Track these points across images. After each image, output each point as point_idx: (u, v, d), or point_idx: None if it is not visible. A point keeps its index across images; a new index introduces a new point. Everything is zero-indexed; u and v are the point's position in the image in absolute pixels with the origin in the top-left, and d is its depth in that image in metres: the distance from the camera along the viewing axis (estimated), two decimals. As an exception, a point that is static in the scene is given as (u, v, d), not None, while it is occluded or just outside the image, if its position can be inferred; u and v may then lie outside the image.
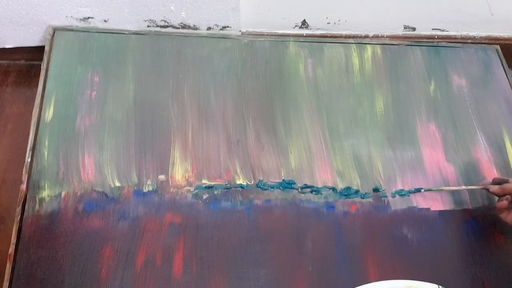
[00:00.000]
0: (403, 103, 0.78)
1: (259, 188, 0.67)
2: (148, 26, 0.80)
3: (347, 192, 0.68)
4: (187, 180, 0.66)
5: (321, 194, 0.68)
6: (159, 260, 0.60)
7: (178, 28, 0.81)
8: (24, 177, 0.63)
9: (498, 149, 0.75)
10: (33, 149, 0.65)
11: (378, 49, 0.83)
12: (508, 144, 0.76)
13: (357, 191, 0.68)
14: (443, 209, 0.68)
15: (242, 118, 0.73)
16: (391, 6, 0.84)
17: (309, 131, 0.73)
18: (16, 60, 0.83)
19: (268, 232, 0.64)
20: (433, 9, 0.85)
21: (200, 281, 0.59)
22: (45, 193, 0.62)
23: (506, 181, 0.63)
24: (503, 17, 0.87)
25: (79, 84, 0.71)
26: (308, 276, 0.61)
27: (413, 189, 0.69)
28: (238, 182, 0.67)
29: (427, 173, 0.71)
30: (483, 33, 0.90)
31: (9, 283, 0.56)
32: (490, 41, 0.90)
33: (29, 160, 0.64)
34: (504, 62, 0.85)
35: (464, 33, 0.90)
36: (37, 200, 0.62)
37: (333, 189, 0.68)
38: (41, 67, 0.72)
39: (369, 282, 0.60)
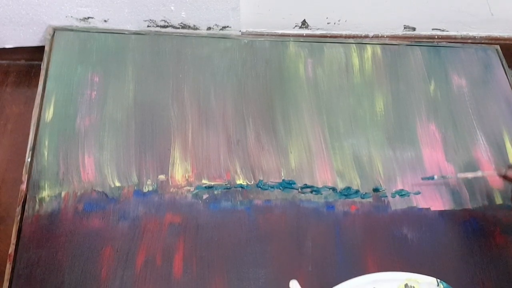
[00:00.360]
0: (403, 103, 0.78)
1: (259, 188, 0.67)
2: (148, 26, 0.80)
3: (347, 192, 0.68)
4: (187, 180, 0.66)
5: (321, 194, 0.68)
6: (159, 260, 0.60)
7: (178, 28, 0.81)
8: (24, 177, 0.63)
9: (498, 149, 0.75)
10: (33, 149, 0.65)
11: (378, 49, 0.83)
12: (508, 144, 0.76)
13: (357, 191, 0.68)
14: (443, 209, 0.68)
15: (242, 118, 0.73)
16: (391, 6, 0.84)
17: (309, 131, 0.73)
18: (16, 60, 0.83)
19: (268, 232, 0.64)
20: (433, 9, 0.85)
21: (200, 281, 0.59)
22: (45, 193, 0.62)
23: None
24: (503, 17, 0.87)
25: (79, 84, 0.71)
26: (308, 276, 0.61)
27: (426, 177, 0.69)
28: (238, 182, 0.67)
29: (427, 173, 0.71)
30: (483, 33, 0.90)
31: (9, 283, 0.56)
32: (490, 41, 0.90)
33: (29, 160, 0.64)
34: (504, 62, 0.85)
35: (464, 33, 0.90)
36: (37, 200, 0.62)
37: (333, 189, 0.68)
38: (41, 67, 0.72)
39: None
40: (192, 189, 0.66)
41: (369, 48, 0.83)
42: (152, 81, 0.74)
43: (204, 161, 0.68)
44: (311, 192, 0.68)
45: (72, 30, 0.77)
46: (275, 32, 0.86)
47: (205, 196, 0.65)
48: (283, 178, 0.68)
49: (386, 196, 0.69)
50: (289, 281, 0.53)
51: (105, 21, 0.78)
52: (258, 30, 0.85)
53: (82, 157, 0.66)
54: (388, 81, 0.80)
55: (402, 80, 0.80)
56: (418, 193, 0.69)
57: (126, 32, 0.78)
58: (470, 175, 0.69)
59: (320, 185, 0.68)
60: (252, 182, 0.67)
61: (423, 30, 0.89)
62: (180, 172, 0.67)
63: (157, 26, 0.80)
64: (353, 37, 0.87)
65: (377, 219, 0.66)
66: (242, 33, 0.84)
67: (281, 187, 0.67)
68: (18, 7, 0.74)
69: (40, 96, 0.69)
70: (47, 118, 0.68)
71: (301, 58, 0.80)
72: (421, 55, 0.83)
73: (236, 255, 0.62)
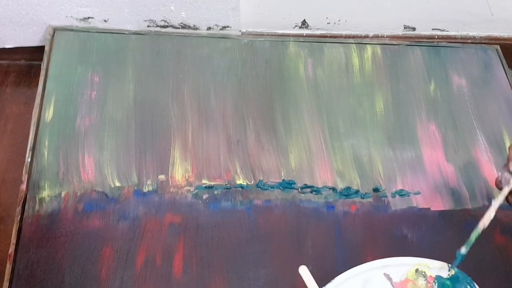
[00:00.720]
0: (403, 103, 0.78)
1: (259, 188, 0.67)
2: (148, 26, 0.80)
3: (347, 192, 0.68)
4: (187, 180, 0.66)
5: (321, 194, 0.67)
6: (159, 260, 0.60)
7: (178, 28, 0.81)
8: (24, 177, 0.63)
9: (498, 149, 0.75)
10: (33, 149, 0.65)
11: (378, 49, 0.83)
12: (508, 144, 0.75)
13: (357, 191, 0.68)
14: (443, 209, 0.68)
15: (242, 118, 0.73)
16: (391, 6, 0.84)
17: (309, 131, 0.73)
18: (16, 60, 0.83)
19: (268, 232, 0.64)
20: (433, 9, 0.85)
21: (200, 281, 0.59)
22: (45, 193, 0.62)
23: None
24: (503, 17, 0.87)
25: (79, 84, 0.71)
26: (308, 276, 0.61)
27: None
28: (238, 182, 0.67)
29: (427, 173, 0.71)
30: (483, 33, 0.90)
31: (9, 283, 0.56)
32: (490, 41, 0.90)
33: (29, 160, 0.64)
34: (504, 62, 0.85)
35: (464, 33, 0.90)
36: (37, 200, 0.62)
37: (333, 189, 0.68)
38: (41, 67, 0.72)
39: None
40: (192, 189, 0.66)
41: (369, 48, 0.83)
42: (152, 81, 0.74)
43: (204, 161, 0.68)
44: (311, 192, 0.68)
45: (72, 30, 0.77)
46: (275, 32, 0.86)
47: (205, 196, 0.65)
48: (283, 178, 0.68)
49: (386, 196, 0.68)
50: (298, 268, 0.53)
51: (105, 21, 0.78)
52: (258, 30, 0.85)
53: (82, 157, 0.66)
54: (388, 81, 0.80)
55: (402, 80, 0.80)
56: (418, 193, 0.69)
57: (126, 32, 0.78)
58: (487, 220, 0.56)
59: (320, 185, 0.68)
60: (252, 182, 0.67)
61: (423, 30, 0.89)
62: (180, 172, 0.67)
63: (157, 26, 0.80)
64: (353, 37, 0.87)
65: (377, 219, 0.66)
66: (242, 33, 0.84)
67: (281, 187, 0.67)
68: (18, 7, 0.74)
69: (40, 96, 0.69)
70: (47, 118, 0.68)
71: (301, 58, 0.80)
72: (421, 55, 0.83)
73: (236, 255, 0.61)
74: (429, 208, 0.68)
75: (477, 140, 0.75)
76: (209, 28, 0.82)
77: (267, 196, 0.66)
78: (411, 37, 0.89)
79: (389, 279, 0.52)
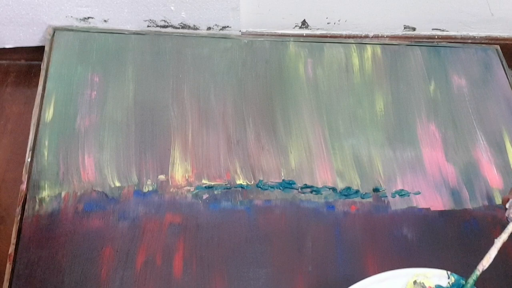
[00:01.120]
0: (403, 103, 0.78)
1: (259, 188, 0.67)
2: (148, 26, 0.80)
3: (347, 192, 0.68)
4: (187, 180, 0.66)
5: (321, 194, 0.68)
6: (159, 260, 0.60)
7: (178, 28, 0.81)
8: (24, 177, 0.63)
9: (498, 149, 0.75)
10: (33, 149, 0.65)
11: (378, 49, 0.83)
12: (508, 144, 0.75)
13: (357, 191, 0.68)
14: (443, 209, 0.68)
15: (242, 118, 0.73)
16: (391, 6, 0.84)
17: (309, 131, 0.73)
18: (16, 60, 0.83)
19: (268, 232, 0.64)
20: (433, 9, 0.85)
21: (200, 281, 0.59)
22: (45, 193, 0.62)
23: None
24: (503, 17, 0.87)
25: (79, 84, 0.71)
26: (308, 276, 0.61)
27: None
28: (238, 182, 0.67)
29: (427, 173, 0.71)
30: (483, 33, 0.90)
31: (9, 283, 0.56)
32: (490, 41, 0.90)
33: (29, 160, 0.64)
34: (504, 62, 0.85)
35: (464, 33, 0.90)
36: (37, 200, 0.62)
37: (333, 189, 0.68)
38: (41, 67, 0.72)
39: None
40: (192, 189, 0.66)
41: (369, 48, 0.83)
42: (152, 81, 0.74)
43: (204, 161, 0.68)
44: (311, 192, 0.68)
45: (72, 30, 0.77)
46: (275, 32, 0.86)
47: (205, 196, 0.65)
48: (283, 178, 0.68)
49: (386, 196, 0.68)
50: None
51: (105, 21, 0.78)
52: (258, 30, 0.85)
53: (82, 157, 0.66)
54: (388, 81, 0.80)
55: (402, 80, 0.80)
56: (418, 193, 0.69)
57: (126, 32, 0.78)
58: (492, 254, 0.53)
59: (320, 185, 0.68)
60: (252, 182, 0.67)
61: (423, 30, 0.89)
62: (180, 172, 0.67)
63: (157, 26, 0.80)
64: (353, 37, 0.87)
65: (377, 219, 0.66)
66: (242, 33, 0.84)
67: (281, 187, 0.67)
68: (18, 7, 0.74)
69: (40, 96, 0.69)
70: (47, 118, 0.68)
71: (301, 58, 0.80)
72: (421, 55, 0.83)
73: (236, 255, 0.61)
74: (429, 208, 0.68)
75: (477, 140, 0.75)
76: (209, 28, 0.82)
77: (267, 196, 0.66)
78: (411, 37, 0.89)
79: None
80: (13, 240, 0.59)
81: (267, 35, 0.85)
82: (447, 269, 0.61)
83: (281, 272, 0.61)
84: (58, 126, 0.68)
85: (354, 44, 0.83)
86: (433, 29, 0.89)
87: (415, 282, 0.51)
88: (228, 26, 0.82)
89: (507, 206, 0.52)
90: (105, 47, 0.76)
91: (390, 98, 0.78)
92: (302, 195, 0.67)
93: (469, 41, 0.90)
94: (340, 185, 0.69)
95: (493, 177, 0.72)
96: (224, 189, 0.66)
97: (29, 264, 0.58)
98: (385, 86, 0.79)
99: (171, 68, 0.76)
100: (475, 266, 0.64)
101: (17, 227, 0.60)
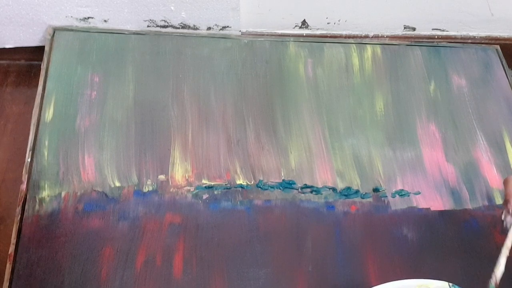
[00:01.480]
0: (403, 103, 0.78)
1: (259, 188, 0.67)
2: (148, 26, 0.80)
3: (347, 192, 0.68)
4: (187, 180, 0.66)
5: (321, 194, 0.68)
6: (159, 260, 0.60)
7: (178, 28, 0.81)
8: (24, 177, 0.63)
9: (498, 149, 0.75)
10: (33, 149, 0.65)
11: (378, 49, 0.83)
12: (508, 144, 0.76)
13: (357, 191, 0.68)
14: (443, 209, 0.68)
15: (242, 118, 0.73)
16: (391, 6, 0.84)
17: (309, 131, 0.73)
18: (16, 60, 0.83)
19: (268, 232, 0.64)
20: (433, 9, 0.85)
21: (200, 281, 0.59)
22: (45, 193, 0.62)
23: None
24: (503, 17, 0.87)
25: (79, 84, 0.71)
26: (308, 276, 0.61)
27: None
28: (238, 182, 0.67)
29: (427, 173, 0.71)
30: (483, 33, 0.90)
31: (9, 283, 0.56)
32: (490, 41, 0.90)
33: (29, 160, 0.64)
34: (504, 62, 0.85)
35: (464, 33, 0.90)
36: (37, 200, 0.62)
37: (333, 189, 0.68)
38: (41, 67, 0.72)
39: (370, 282, 0.60)
40: (192, 189, 0.66)
41: (369, 48, 0.83)
42: (152, 81, 0.74)
43: (204, 161, 0.68)
44: (311, 192, 0.68)
45: (72, 30, 0.77)
46: (275, 32, 0.86)
47: (205, 196, 0.65)
48: (283, 178, 0.68)
49: (386, 196, 0.69)
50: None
51: (105, 21, 0.78)
52: (258, 30, 0.85)
53: (82, 157, 0.66)
54: (388, 81, 0.80)
55: (402, 80, 0.80)
56: (418, 193, 0.69)
57: (126, 32, 0.78)
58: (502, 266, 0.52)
59: (320, 185, 0.68)
60: (252, 182, 0.67)
61: (423, 30, 0.89)
62: (180, 172, 0.67)
63: (157, 26, 0.80)
64: (353, 37, 0.87)
65: (377, 219, 0.66)
66: (242, 33, 0.84)
67: (281, 187, 0.67)
68: (18, 7, 0.74)
69: (40, 96, 0.69)
70: (47, 118, 0.68)
71: (301, 58, 0.80)
72: (421, 55, 0.83)
73: (236, 255, 0.61)
74: (429, 208, 0.68)
75: (477, 140, 0.75)
76: (209, 28, 0.82)
77: (267, 196, 0.66)
78: (411, 37, 0.89)
79: None
80: (13, 240, 0.59)
81: (267, 35, 0.85)
82: (447, 269, 0.61)
83: (281, 272, 0.61)
84: (58, 126, 0.68)
85: (354, 44, 0.83)
86: (433, 29, 0.89)
87: None
88: (228, 26, 0.82)
89: (502, 217, 0.53)
90: (105, 47, 0.76)
91: (390, 98, 0.78)
92: (302, 195, 0.67)
93: (469, 41, 0.90)
94: (340, 185, 0.69)
95: (493, 177, 0.72)
96: (224, 189, 0.66)
97: (29, 264, 0.58)
98: (385, 86, 0.79)
99: (171, 68, 0.76)
100: (475, 266, 0.64)
101: (17, 227, 0.59)
